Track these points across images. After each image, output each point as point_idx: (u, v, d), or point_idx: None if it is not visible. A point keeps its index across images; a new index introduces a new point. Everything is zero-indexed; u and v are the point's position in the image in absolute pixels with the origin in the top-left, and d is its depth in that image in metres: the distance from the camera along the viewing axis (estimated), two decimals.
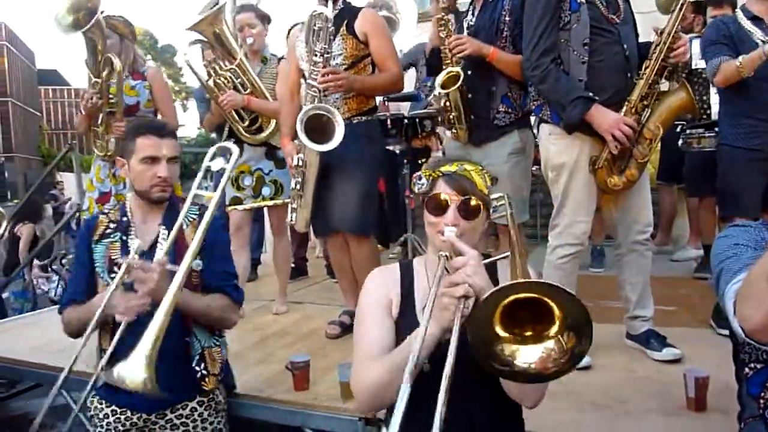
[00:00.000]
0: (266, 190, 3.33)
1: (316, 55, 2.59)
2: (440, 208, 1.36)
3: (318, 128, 2.56)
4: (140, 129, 2.00)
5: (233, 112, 3.26)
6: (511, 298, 1.03)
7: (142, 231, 1.97)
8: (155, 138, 1.96)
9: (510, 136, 2.76)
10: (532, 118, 2.77)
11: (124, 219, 2.00)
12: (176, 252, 1.93)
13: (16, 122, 31.45)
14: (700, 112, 3.64)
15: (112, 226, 2.01)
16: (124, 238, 1.96)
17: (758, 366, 1.27)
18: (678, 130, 3.78)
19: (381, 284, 1.47)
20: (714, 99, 3.47)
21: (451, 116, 2.72)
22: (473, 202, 1.36)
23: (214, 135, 4.06)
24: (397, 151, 4.22)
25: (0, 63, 30.58)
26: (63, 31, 3.05)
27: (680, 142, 3.72)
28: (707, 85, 3.58)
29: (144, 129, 1.99)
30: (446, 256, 1.23)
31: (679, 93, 2.36)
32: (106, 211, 2.08)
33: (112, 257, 1.95)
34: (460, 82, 2.60)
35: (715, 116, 3.31)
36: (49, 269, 6.99)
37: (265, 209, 3.51)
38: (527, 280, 0.98)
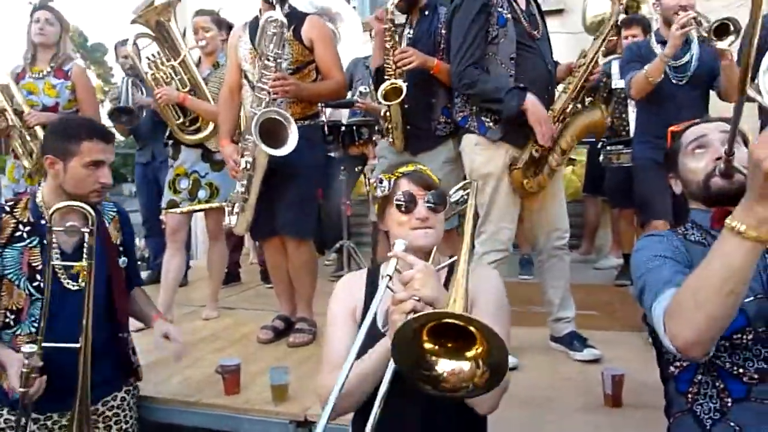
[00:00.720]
0: (202, 193, 3.27)
1: (268, 60, 2.58)
2: (410, 204, 1.41)
3: (269, 132, 2.55)
4: (87, 131, 1.89)
5: (169, 108, 3.21)
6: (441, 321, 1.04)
7: (60, 233, 1.87)
8: (103, 143, 1.89)
9: (445, 144, 2.82)
10: None
11: (43, 222, 1.88)
12: (105, 250, 1.92)
13: None
14: (620, 129, 3.89)
15: (24, 228, 1.89)
16: (45, 242, 1.85)
17: (684, 364, 1.32)
18: (599, 146, 4.00)
19: (347, 290, 1.50)
20: (632, 117, 3.69)
21: (389, 126, 2.76)
22: (440, 195, 1.43)
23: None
24: (334, 158, 4.24)
25: None
26: None
27: (601, 157, 3.94)
28: (626, 103, 3.82)
29: (92, 132, 1.89)
30: (389, 276, 1.23)
31: (594, 111, 2.53)
32: (8, 209, 1.92)
33: (33, 263, 1.86)
34: (402, 96, 2.62)
35: (632, 134, 3.52)
36: None
37: (201, 213, 3.44)
38: (457, 313, 1.00)
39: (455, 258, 1.42)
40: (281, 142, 2.55)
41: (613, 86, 3.94)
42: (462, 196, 1.68)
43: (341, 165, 4.20)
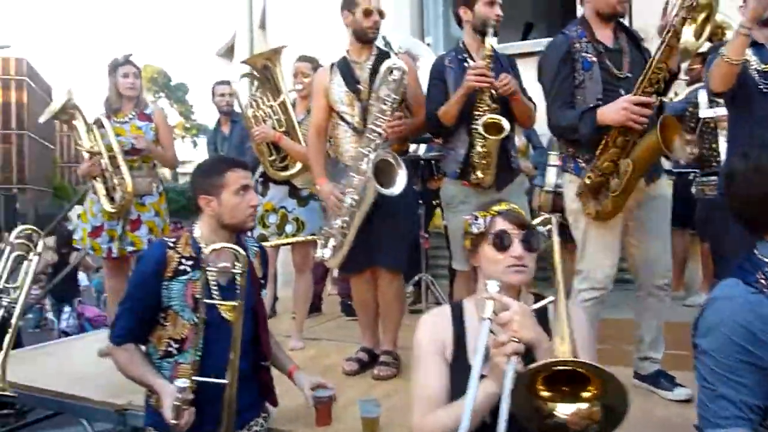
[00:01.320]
0: (289, 228, 3.44)
1: (385, 104, 2.69)
2: (505, 243, 1.45)
3: (379, 172, 2.68)
4: (226, 164, 2.08)
5: (263, 146, 3.40)
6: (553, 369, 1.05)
7: (224, 255, 2.00)
8: (242, 170, 2.07)
9: (520, 176, 2.91)
10: (553, 168, 2.84)
11: (203, 256, 2.00)
12: (252, 282, 2.08)
13: (31, 155, 31.98)
14: (711, 160, 3.75)
15: (187, 262, 2.01)
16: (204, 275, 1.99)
17: None
18: (690, 177, 3.87)
19: (433, 328, 1.54)
20: (723, 147, 3.53)
21: (477, 162, 2.72)
22: (534, 235, 1.47)
23: None
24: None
25: (19, 98, 31.28)
26: None
27: (693, 189, 3.80)
28: (716, 133, 3.67)
29: (230, 163, 2.09)
30: (489, 319, 1.27)
31: (651, 135, 2.36)
32: (171, 245, 2.05)
33: (196, 295, 1.98)
34: (506, 132, 2.63)
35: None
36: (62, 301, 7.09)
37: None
38: (570, 359, 1.01)
39: (552, 299, 1.44)
40: (390, 182, 2.67)
41: (701, 115, 3.83)
42: (544, 232, 1.70)
43: (420, 198, 4.26)
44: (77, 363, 3.51)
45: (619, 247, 2.52)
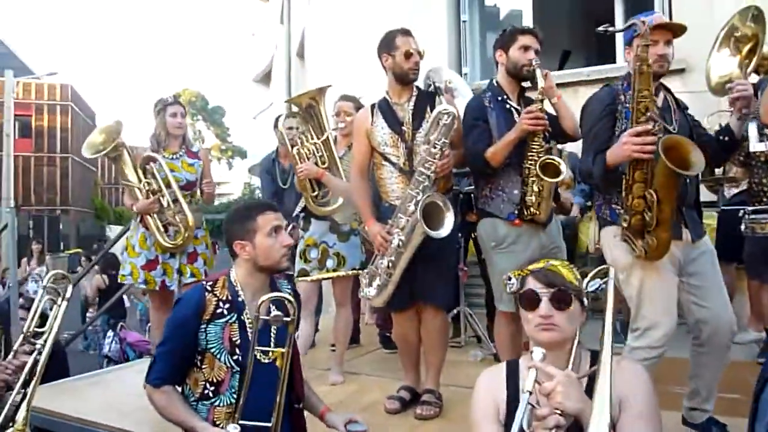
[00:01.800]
0: (330, 263, 3.48)
1: (435, 147, 2.74)
2: (533, 302, 1.46)
3: (427, 214, 2.72)
4: (256, 208, 2.15)
5: (307, 182, 3.48)
6: None
7: (252, 309, 2.03)
8: (272, 212, 2.13)
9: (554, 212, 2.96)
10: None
11: (240, 299, 2.07)
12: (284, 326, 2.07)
13: (74, 177, 33.03)
14: (760, 195, 3.63)
15: (224, 306, 2.06)
16: (242, 318, 2.05)
17: None
18: (740, 214, 3.75)
19: (488, 389, 1.55)
20: None
21: (537, 201, 2.77)
22: (563, 293, 1.45)
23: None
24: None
25: (64, 122, 32.44)
26: None
27: (743, 226, 3.67)
28: (766, 168, 3.56)
29: (260, 207, 2.16)
30: (530, 392, 1.24)
31: (660, 160, 2.27)
32: (209, 288, 2.10)
33: (233, 339, 2.03)
34: (563, 176, 2.72)
35: None
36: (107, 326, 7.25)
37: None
38: None
39: (595, 368, 1.41)
40: (438, 224, 2.71)
41: (751, 149, 3.72)
42: (600, 285, 1.67)
43: (459, 232, 4.27)
44: (124, 394, 3.58)
45: (676, 303, 2.41)
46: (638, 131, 2.23)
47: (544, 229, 2.86)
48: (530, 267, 1.55)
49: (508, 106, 2.87)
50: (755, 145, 3.58)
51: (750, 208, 3.51)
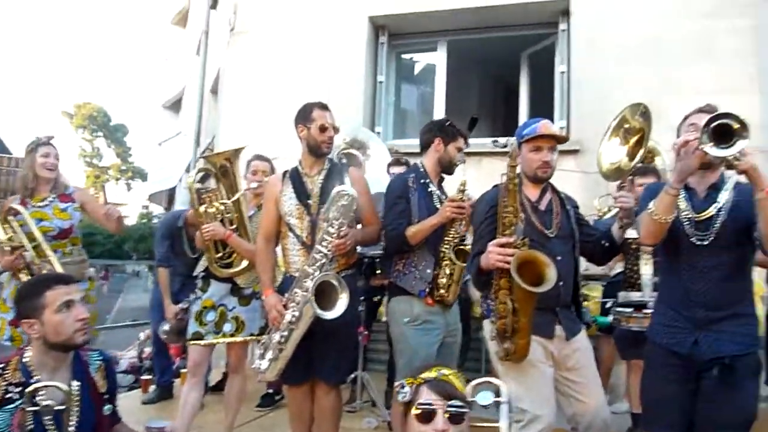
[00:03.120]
0: (227, 327, 3.36)
1: (332, 226, 2.73)
2: (428, 416, 1.47)
3: (320, 292, 2.70)
4: (45, 283, 2.04)
5: (211, 242, 3.35)
6: None
7: (50, 390, 1.88)
8: (63, 286, 2.03)
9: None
10: None
11: (33, 381, 1.93)
12: (91, 400, 2.04)
13: None
14: (632, 279, 3.79)
15: (14, 390, 1.93)
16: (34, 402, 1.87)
17: None
18: (607, 306, 3.97)
19: None
20: (644, 269, 3.59)
21: (448, 283, 2.99)
22: (458, 407, 1.48)
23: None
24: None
25: None
26: None
27: (610, 317, 3.81)
28: (638, 255, 3.72)
29: (50, 281, 2.05)
30: None
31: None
32: None
33: (26, 425, 1.87)
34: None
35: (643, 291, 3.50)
36: None
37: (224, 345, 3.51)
38: None
39: None
40: (331, 304, 2.69)
41: (625, 235, 4.01)
42: (492, 401, 1.66)
43: (361, 295, 4.30)
44: None
45: (553, 396, 2.52)
46: (501, 242, 2.35)
47: (449, 309, 3.06)
48: (423, 375, 1.58)
49: (430, 189, 3.08)
50: (628, 232, 3.86)
51: (619, 300, 3.60)
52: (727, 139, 1.99)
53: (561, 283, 2.46)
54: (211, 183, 3.50)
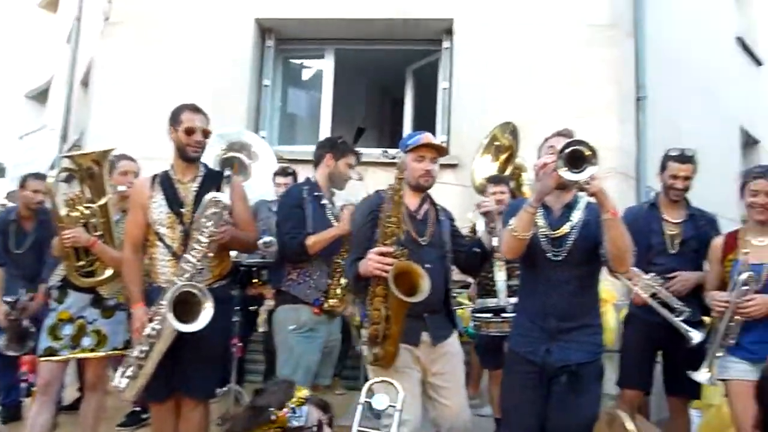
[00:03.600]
0: (87, 341, 3.12)
1: (203, 234, 2.61)
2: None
3: (183, 303, 2.57)
4: None
5: (72, 250, 3.08)
6: None
7: None
8: None
9: None
10: None
11: None
12: None
13: None
14: (488, 288, 3.87)
15: None
16: None
17: None
18: (469, 312, 4.16)
19: None
20: (498, 276, 3.72)
21: (339, 293, 3.13)
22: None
23: None
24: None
25: None
26: None
27: (471, 323, 4.01)
28: (492, 262, 3.76)
29: None
30: None
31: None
32: None
33: None
34: None
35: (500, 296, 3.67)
36: None
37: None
38: None
39: None
40: (193, 316, 2.56)
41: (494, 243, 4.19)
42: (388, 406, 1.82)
43: (237, 305, 4.16)
44: None
45: (419, 402, 2.60)
46: (382, 251, 2.45)
47: (333, 319, 3.14)
48: (301, 395, 1.58)
49: (323, 202, 3.18)
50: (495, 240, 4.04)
51: (476, 307, 3.86)
52: (579, 164, 2.17)
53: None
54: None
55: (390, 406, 1.77)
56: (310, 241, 3.01)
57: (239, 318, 4.12)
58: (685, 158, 3.26)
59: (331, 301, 3.06)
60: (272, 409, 1.56)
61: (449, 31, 6.39)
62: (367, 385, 1.92)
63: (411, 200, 2.74)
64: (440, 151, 2.80)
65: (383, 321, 2.43)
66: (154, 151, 3.93)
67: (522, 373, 2.48)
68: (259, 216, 4.47)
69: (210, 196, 2.65)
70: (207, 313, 2.58)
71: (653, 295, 3.13)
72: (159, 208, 2.81)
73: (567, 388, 2.36)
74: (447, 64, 6.43)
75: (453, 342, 2.77)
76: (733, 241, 2.92)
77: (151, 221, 2.82)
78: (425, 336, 2.63)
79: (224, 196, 2.69)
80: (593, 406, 2.44)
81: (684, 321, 3.09)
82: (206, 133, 2.87)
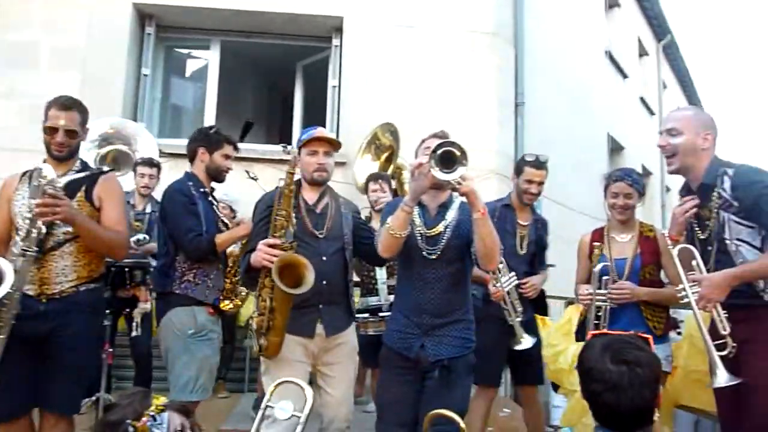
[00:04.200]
0: None
1: (30, 211, 2.44)
2: None
3: None
4: None
5: None
6: None
7: None
8: None
9: None
10: None
11: None
12: None
13: None
14: (369, 284, 3.96)
15: None
16: None
17: None
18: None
19: None
20: (379, 274, 3.83)
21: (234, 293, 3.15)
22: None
23: None
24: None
25: None
26: None
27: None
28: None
29: None
30: None
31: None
32: None
33: None
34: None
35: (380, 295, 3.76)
36: None
37: None
38: None
39: None
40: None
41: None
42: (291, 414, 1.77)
43: (107, 308, 3.89)
44: None
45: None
46: (270, 243, 2.48)
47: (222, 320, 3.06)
48: (159, 403, 1.49)
49: (210, 198, 3.07)
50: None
51: (357, 307, 3.85)
52: (450, 164, 2.22)
53: (324, 282, 2.58)
54: None
55: (294, 415, 1.71)
56: (220, 239, 2.91)
57: (109, 322, 3.87)
58: (539, 164, 3.31)
59: (226, 301, 2.99)
60: (129, 421, 1.46)
61: (339, 29, 6.39)
62: (271, 386, 1.84)
63: (309, 194, 2.74)
64: (333, 144, 2.78)
65: (268, 312, 2.45)
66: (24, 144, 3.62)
67: (397, 369, 2.54)
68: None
69: (38, 167, 2.52)
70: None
71: (508, 293, 3.24)
72: (21, 201, 2.60)
73: (439, 382, 2.43)
74: (336, 62, 6.44)
75: (348, 334, 2.78)
76: (598, 237, 3.13)
77: (12, 214, 2.61)
78: (320, 328, 2.63)
79: (47, 168, 2.51)
80: (464, 398, 2.55)
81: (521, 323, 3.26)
82: (72, 134, 2.66)
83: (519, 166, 3.39)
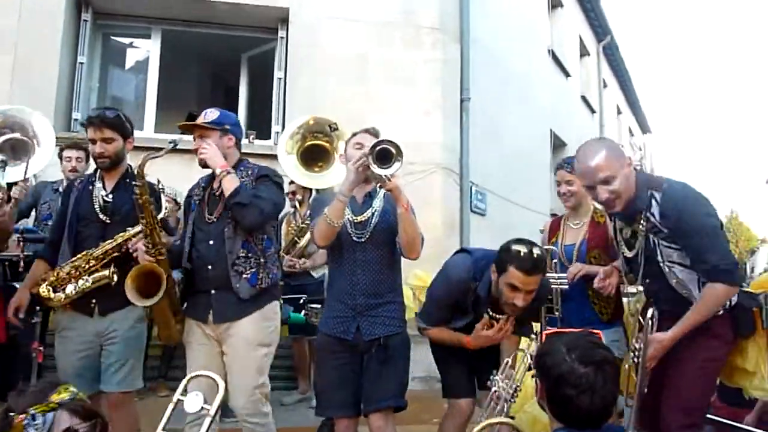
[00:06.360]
0: None
1: None
2: None
3: None
4: None
5: None
6: None
7: None
8: None
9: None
10: None
11: None
12: None
13: None
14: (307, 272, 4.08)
15: None
16: None
17: None
18: (300, 301, 4.17)
19: None
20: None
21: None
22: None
23: None
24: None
25: None
26: None
27: (303, 312, 4.04)
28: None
29: None
30: None
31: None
32: None
33: None
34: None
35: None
36: None
37: None
38: None
39: None
40: None
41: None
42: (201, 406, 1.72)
43: (36, 305, 3.71)
44: None
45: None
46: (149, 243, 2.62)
47: (105, 316, 2.77)
48: (56, 398, 1.42)
49: (90, 187, 2.93)
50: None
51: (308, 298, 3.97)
52: (386, 161, 2.37)
53: (210, 267, 2.65)
54: None
55: (203, 407, 1.66)
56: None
57: (38, 319, 3.69)
58: (533, 267, 2.43)
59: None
60: (13, 414, 1.39)
61: (285, 20, 6.30)
62: (184, 381, 1.80)
63: (217, 182, 2.72)
64: (200, 129, 2.77)
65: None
66: None
67: (335, 353, 2.60)
68: (43, 198, 4.10)
69: None
70: None
71: None
72: None
73: (377, 360, 2.54)
74: (282, 54, 6.34)
75: (241, 325, 2.65)
76: (557, 225, 3.29)
77: None
78: (210, 315, 2.67)
79: None
80: (403, 373, 2.63)
81: None
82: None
83: (502, 263, 2.49)
